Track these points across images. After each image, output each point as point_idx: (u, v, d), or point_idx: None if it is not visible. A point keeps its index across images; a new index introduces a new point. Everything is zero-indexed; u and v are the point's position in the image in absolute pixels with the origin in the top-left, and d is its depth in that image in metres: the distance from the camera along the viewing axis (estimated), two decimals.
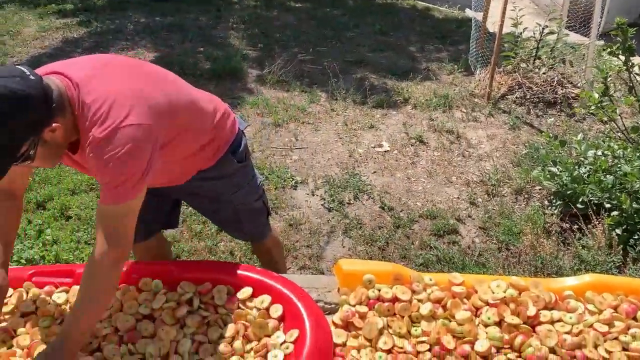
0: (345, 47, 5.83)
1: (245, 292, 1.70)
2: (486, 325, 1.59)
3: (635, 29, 2.73)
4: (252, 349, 1.55)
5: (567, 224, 2.81)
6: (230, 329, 1.59)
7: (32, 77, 1.26)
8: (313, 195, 3.28)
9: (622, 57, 2.64)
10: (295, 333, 1.58)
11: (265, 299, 1.68)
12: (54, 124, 1.27)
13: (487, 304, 1.66)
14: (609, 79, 2.82)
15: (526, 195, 3.18)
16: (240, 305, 1.66)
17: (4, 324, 1.62)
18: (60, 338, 1.38)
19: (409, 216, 3.06)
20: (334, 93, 4.62)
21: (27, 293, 1.77)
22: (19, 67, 1.28)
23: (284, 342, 1.57)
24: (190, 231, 2.89)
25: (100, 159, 1.31)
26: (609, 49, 2.70)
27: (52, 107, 1.28)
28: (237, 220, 2.00)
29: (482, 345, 1.48)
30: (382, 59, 5.54)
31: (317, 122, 4.22)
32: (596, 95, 2.58)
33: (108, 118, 1.31)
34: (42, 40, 6.01)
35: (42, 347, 1.51)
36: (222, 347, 1.56)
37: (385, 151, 3.79)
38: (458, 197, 3.26)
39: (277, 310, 1.66)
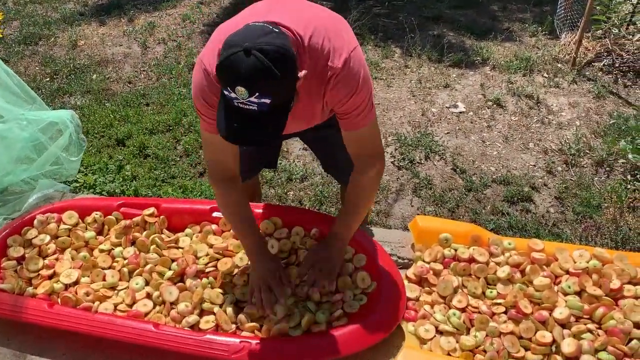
0: (423, 2, 5.63)
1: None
2: (565, 294, 1.56)
3: None
4: (328, 300, 1.58)
5: None
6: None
7: (279, 30, 1.25)
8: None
9: None
10: (373, 285, 1.60)
11: (348, 250, 1.71)
12: (301, 72, 1.27)
13: (568, 272, 1.62)
14: None
15: (607, 168, 3.03)
16: None
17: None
18: (332, 239, 1.62)
19: (482, 180, 3.00)
20: (409, 49, 4.50)
21: (117, 221, 1.87)
22: (261, 23, 1.26)
23: (361, 291, 1.60)
24: (262, 178, 2.94)
25: (349, 86, 1.37)
26: None
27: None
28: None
29: (561, 313, 1.46)
30: (461, 16, 5.31)
31: (390, 78, 4.14)
32: None
33: (337, 48, 1.35)
34: None
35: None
36: (300, 290, 1.61)
37: (460, 112, 3.69)
38: (534, 165, 3.15)
39: (360, 260, 1.68)
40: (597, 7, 4.31)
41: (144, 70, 4.25)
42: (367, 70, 1.41)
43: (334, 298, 1.56)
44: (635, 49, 4.20)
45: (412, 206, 2.84)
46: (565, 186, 2.92)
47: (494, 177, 3.03)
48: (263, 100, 1.18)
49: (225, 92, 1.21)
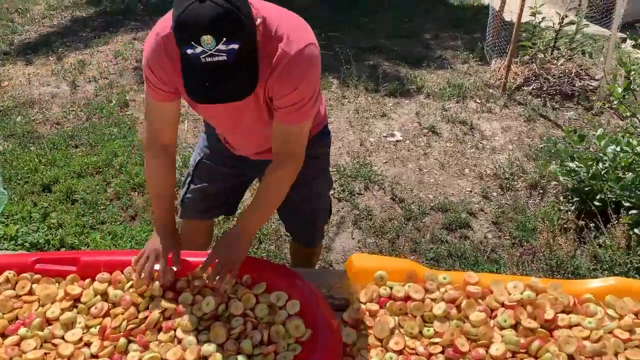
0: (359, 33, 5.73)
1: (259, 286, 1.65)
2: (501, 328, 1.53)
3: None
4: (260, 352, 1.49)
5: (583, 222, 2.74)
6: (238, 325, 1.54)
7: None
8: None
9: None
10: (307, 332, 1.53)
11: (282, 295, 1.63)
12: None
13: (503, 305, 1.60)
14: (632, 73, 2.73)
15: (541, 191, 3.11)
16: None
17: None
18: (237, 233, 1.56)
19: (420, 208, 3.00)
20: (346, 80, 4.54)
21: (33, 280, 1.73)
22: None
23: (295, 340, 1.52)
24: None
25: (297, 76, 1.34)
26: (634, 41, 2.59)
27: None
28: (312, 211, 1.96)
29: (497, 349, 1.42)
30: (396, 45, 5.43)
31: (328, 109, 4.15)
32: (619, 90, 2.48)
33: (293, 37, 1.32)
34: (51, 19, 5.95)
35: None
36: (230, 344, 1.51)
37: (397, 141, 3.72)
38: (471, 190, 3.19)
39: (294, 306, 1.60)
40: (523, 34, 4.50)
41: (72, 110, 4.08)
42: (319, 71, 1.40)
43: (266, 350, 1.48)
44: (560, 73, 4.39)
45: (353, 239, 2.81)
46: (502, 211, 2.96)
47: (432, 204, 3.04)
48: (232, 46, 1.14)
49: (189, 51, 1.15)
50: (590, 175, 2.71)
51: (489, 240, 2.77)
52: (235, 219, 2.89)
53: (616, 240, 2.37)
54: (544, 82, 4.37)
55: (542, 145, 3.53)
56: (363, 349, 1.51)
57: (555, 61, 4.49)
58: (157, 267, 1.54)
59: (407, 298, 1.64)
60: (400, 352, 1.49)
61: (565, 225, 2.73)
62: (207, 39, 1.12)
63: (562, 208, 2.86)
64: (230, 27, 1.13)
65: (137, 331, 1.50)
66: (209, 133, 1.87)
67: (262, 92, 1.41)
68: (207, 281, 1.54)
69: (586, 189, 2.72)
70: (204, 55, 1.14)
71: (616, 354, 1.43)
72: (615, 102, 2.50)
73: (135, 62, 4.92)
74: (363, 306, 1.62)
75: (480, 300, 1.62)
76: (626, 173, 2.63)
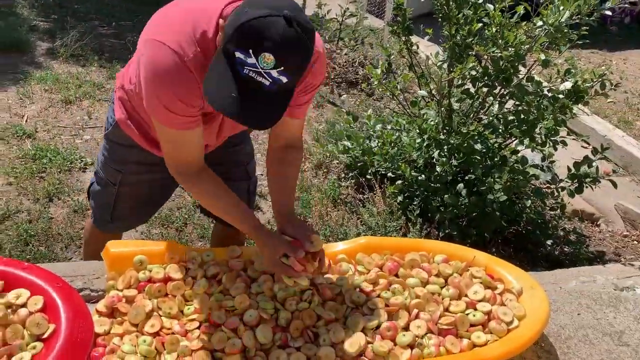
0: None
1: None
2: (258, 294, 1.56)
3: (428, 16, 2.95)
4: None
5: (359, 195, 2.96)
6: None
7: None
8: None
9: (403, 37, 2.81)
10: (50, 328, 1.40)
11: (23, 293, 1.47)
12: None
13: (264, 273, 1.64)
14: (393, 57, 3.01)
15: (325, 170, 3.28)
16: None
17: None
18: (296, 218, 1.53)
19: None
20: None
21: None
22: None
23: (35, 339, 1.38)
24: None
25: (323, 71, 1.43)
26: (391, 29, 2.86)
27: None
28: (247, 194, 1.90)
29: (251, 315, 1.45)
30: None
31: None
32: (379, 72, 2.72)
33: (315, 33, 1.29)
34: None
35: None
36: None
37: None
38: (261, 174, 3.25)
39: (37, 302, 1.45)
40: None
41: None
42: None
43: None
44: (344, 62, 4.70)
45: (136, 231, 2.67)
46: None
47: None
48: (282, 77, 1.08)
49: (238, 54, 1.06)
50: (362, 151, 2.93)
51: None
52: None
53: (379, 208, 2.60)
54: (330, 71, 4.64)
55: (325, 128, 3.74)
56: (116, 336, 1.44)
57: (340, 51, 4.80)
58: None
59: (168, 279, 1.60)
60: (156, 334, 1.45)
61: (344, 199, 2.92)
62: (268, 57, 1.04)
63: (342, 184, 3.06)
64: (295, 61, 1.10)
65: None
66: (123, 145, 1.66)
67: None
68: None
69: (359, 164, 2.95)
70: (250, 69, 1.05)
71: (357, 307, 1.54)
72: (375, 84, 2.73)
73: None
74: (120, 293, 1.54)
75: (242, 273, 1.65)
76: (394, 148, 2.90)
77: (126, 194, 1.75)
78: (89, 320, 1.44)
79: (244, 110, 1.10)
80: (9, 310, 1.44)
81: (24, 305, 1.46)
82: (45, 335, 1.39)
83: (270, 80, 1.08)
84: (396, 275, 1.64)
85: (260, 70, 1.06)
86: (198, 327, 1.45)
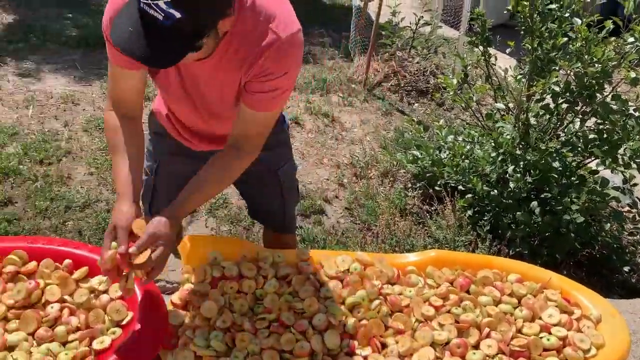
0: None
1: (81, 271, 1.55)
2: (326, 299, 1.57)
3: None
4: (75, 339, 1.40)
5: (426, 206, 2.92)
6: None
7: None
8: None
9: (481, 48, 2.76)
10: (129, 315, 1.47)
11: (104, 280, 1.54)
12: (229, 12, 1.15)
13: (331, 278, 1.65)
14: (468, 68, 2.96)
15: (392, 178, 3.26)
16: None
17: None
18: (172, 215, 1.35)
19: None
20: None
21: None
22: None
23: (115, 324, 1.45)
24: (35, 208, 2.62)
25: (285, 62, 1.28)
26: (469, 40, 2.82)
27: None
28: (281, 198, 1.88)
29: (319, 320, 1.46)
30: None
31: None
32: (454, 82, 2.68)
33: (287, 20, 1.27)
34: None
35: None
36: (42, 331, 1.41)
37: None
38: (328, 179, 3.27)
39: (117, 290, 1.52)
40: (383, 33, 4.71)
41: None
42: (301, 62, 1.35)
43: (81, 335, 1.39)
44: (416, 71, 4.66)
45: (206, 227, 2.75)
46: (354, 197, 3.07)
47: None
48: (172, 11, 1.03)
49: None
50: (432, 162, 2.89)
51: (341, 224, 2.86)
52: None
53: (448, 221, 2.56)
54: (401, 78, 4.62)
55: (394, 136, 3.72)
56: (189, 329, 1.48)
57: (412, 59, 4.76)
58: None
59: (240, 277, 1.63)
60: (227, 330, 1.49)
61: (410, 209, 2.89)
62: None
63: (408, 194, 3.03)
64: None
65: None
66: (159, 133, 1.74)
67: (245, 73, 1.30)
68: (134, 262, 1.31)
69: (428, 175, 2.91)
70: (144, 1, 1.04)
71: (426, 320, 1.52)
72: (451, 94, 2.69)
73: None
74: (194, 287, 1.59)
75: (312, 276, 1.66)
76: (464, 160, 2.85)
77: (162, 185, 1.81)
78: (165, 311, 1.49)
79: (136, 44, 1.08)
80: (92, 295, 1.52)
81: (105, 291, 1.53)
82: (124, 322, 1.45)
83: (163, 14, 1.04)
84: (467, 292, 1.61)
85: (150, 1, 1.04)
86: (268, 327, 1.48)
